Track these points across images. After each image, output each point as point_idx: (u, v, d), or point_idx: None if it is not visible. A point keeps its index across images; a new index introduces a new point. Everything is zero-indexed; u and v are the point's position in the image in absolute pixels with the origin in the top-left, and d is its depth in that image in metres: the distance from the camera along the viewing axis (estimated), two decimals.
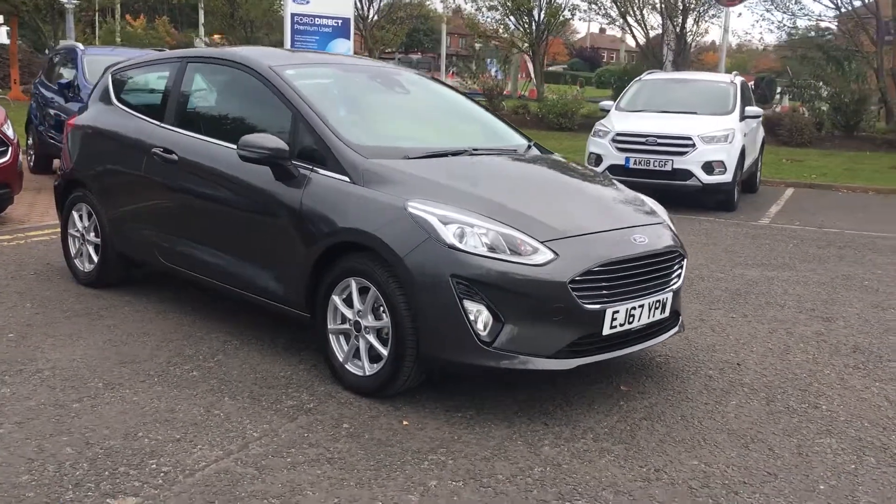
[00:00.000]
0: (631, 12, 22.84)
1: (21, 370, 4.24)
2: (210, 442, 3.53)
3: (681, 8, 22.45)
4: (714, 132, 10.97)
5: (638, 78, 13.27)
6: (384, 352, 3.95)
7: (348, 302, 4.12)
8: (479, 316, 3.73)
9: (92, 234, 5.76)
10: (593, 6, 23.67)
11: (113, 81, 5.86)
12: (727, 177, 10.81)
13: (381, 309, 3.97)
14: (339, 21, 13.65)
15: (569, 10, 22.36)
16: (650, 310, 4.11)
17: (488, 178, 4.42)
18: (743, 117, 11.68)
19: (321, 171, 4.28)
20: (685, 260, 4.49)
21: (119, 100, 5.74)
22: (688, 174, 10.74)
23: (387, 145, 4.45)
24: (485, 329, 3.73)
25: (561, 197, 4.42)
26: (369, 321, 4.01)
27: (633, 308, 3.99)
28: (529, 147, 5.17)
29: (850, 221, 10.60)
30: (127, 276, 5.84)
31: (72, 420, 3.68)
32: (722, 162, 10.81)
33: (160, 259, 5.22)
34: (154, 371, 4.31)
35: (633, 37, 23.86)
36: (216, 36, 32.92)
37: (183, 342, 4.77)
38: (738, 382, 4.53)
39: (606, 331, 3.90)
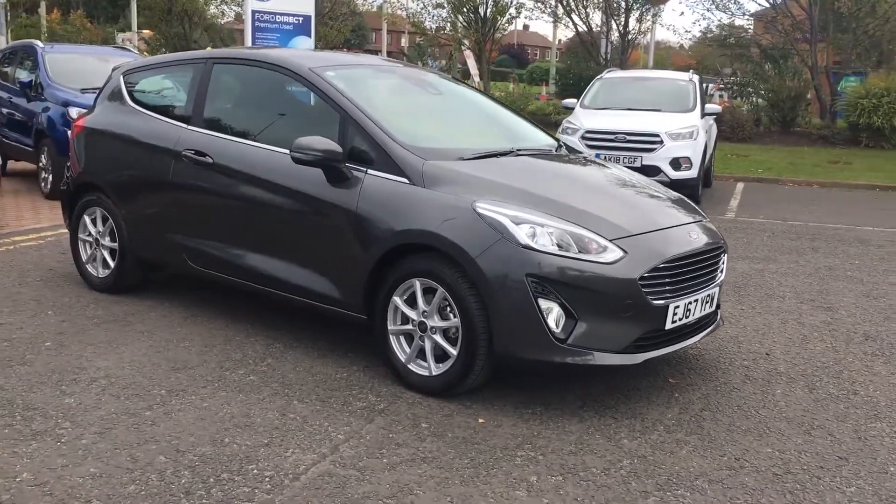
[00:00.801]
0: (576, 10, 23.22)
1: (75, 379, 4.16)
2: (299, 445, 3.54)
3: (623, 7, 22.92)
4: (680, 129, 11.28)
5: (599, 77, 13.53)
6: (453, 351, 4.01)
7: (410, 303, 4.16)
8: (553, 314, 3.82)
9: (107, 238, 5.64)
10: (538, 4, 23.99)
11: (126, 83, 5.75)
12: (693, 172, 11.14)
13: (448, 309, 4.02)
14: (301, 18, 13.54)
15: (515, 8, 22.61)
16: (702, 304, 4.26)
17: (543, 178, 4.51)
18: (703, 114, 12.03)
19: (376, 173, 4.30)
20: (726, 254, 4.65)
21: (135, 101, 5.64)
22: (656, 170, 11.00)
23: (439, 147, 4.50)
24: (558, 326, 3.82)
25: (614, 196, 4.54)
26: (435, 321, 4.06)
27: (690, 303, 4.14)
28: (560, 147, 5.27)
29: (808, 214, 11.03)
30: (143, 280, 5.72)
31: (151, 428, 3.64)
32: (688, 158, 11.13)
33: (189, 263, 5.16)
34: (211, 377, 4.28)
35: (578, 34, 24.23)
36: (146, 32, 32.09)
37: (226, 346, 4.73)
38: (774, 372, 4.72)
39: (668, 325, 4.03)
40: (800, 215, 10.90)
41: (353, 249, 4.30)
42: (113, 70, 6.01)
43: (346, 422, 3.80)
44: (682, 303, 4.07)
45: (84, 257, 5.82)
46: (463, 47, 26.88)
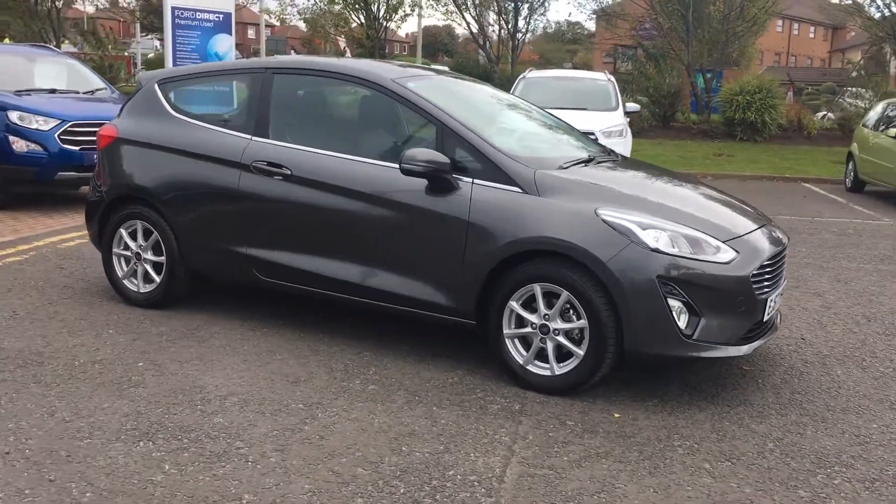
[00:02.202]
0: (468, 8, 23.65)
1: (204, 398, 4.11)
2: (475, 449, 3.68)
3: (512, 6, 23.56)
4: (611, 127, 11.87)
5: (522, 76, 13.97)
6: (580, 351, 4.25)
7: (526, 306, 4.36)
8: (680, 312, 4.13)
9: (150, 252, 5.50)
10: (430, 2, 24.25)
11: (164, 92, 5.60)
12: None
13: (570, 311, 4.25)
14: (221, 15, 13.23)
15: (409, 6, 22.77)
16: (779, 297, 4.69)
17: (639, 186, 4.80)
18: (626, 112, 12.69)
19: (484, 183, 4.46)
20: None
21: (179, 111, 5.51)
22: None
23: (537, 156, 4.71)
24: (685, 323, 4.14)
25: (701, 200, 4.87)
26: (558, 324, 4.28)
27: (776, 296, 4.56)
28: (616, 153, 5.57)
29: None
30: (191, 294, 5.62)
31: (324, 442, 3.69)
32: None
33: (257, 275, 5.13)
34: (333, 388, 4.32)
35: (470, 32, 24.68)
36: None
37: (321, 358, 4.76)
38: (821, 354, 5.23)
39: (766, 317, 4.43)
40: None
41: (465, 257, 4.45)
42: (140, 78, 5.82)
43: (499, 424, 3.97)
44: (774, 296, 4.48)
45: (120, 273, 5.64)
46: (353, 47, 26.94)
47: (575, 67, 28.13)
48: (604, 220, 4.20)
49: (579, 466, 3.57)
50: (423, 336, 5.07)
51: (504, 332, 4.43)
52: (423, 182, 4.54)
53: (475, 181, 4.49)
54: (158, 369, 4.47)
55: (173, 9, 12.55)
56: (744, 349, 4.32)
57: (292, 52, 39.19)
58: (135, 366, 4.51)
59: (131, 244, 5.57)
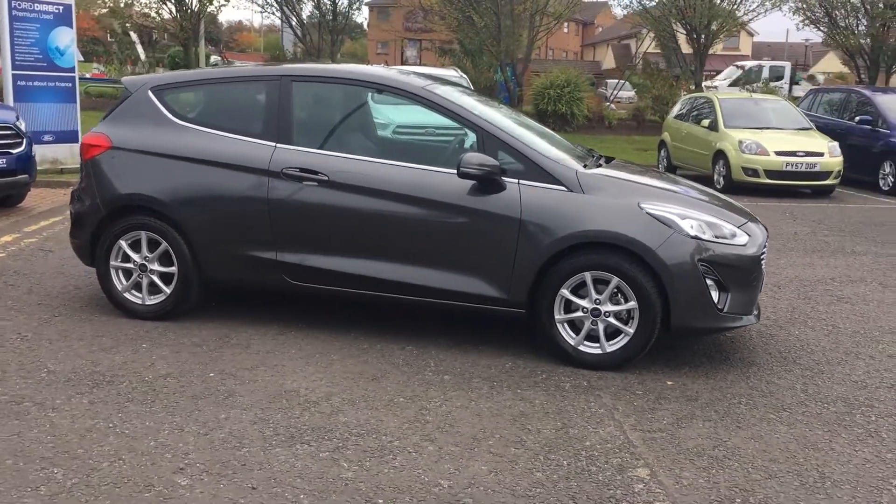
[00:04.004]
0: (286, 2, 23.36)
1: (309, 400, 4.25)
2: (589, 422, 4.14)
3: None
4: None
5: None
6: (629, 330, 4.81)
7: (574, 293, 4.86)
8: (714, 289, 4.80)
9: (156, 263, 5.42)
10: None
11: (160, 99, 5.50)
12: None
13: (618, 294, 4.81)
14: (61, 7, 12.41)
15: None
16: None
17: (655, 181, 5.40)
18: None
19: (530, 183, 4.90)
20: None
21: (182, 118, 5.44)
22: None
23: (567, 157, 5.19)
24: (718, 299, 4.82)
25: (704, 195, 5.53)
26: (609, 307, 4.82)
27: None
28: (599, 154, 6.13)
29: None
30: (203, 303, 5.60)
31: (459, 429, 3.99)
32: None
33: (286, 280, 5.24)
34: (416, 382, 4.58)
35: (290, 26, 24.38)
36: None
37: (374, 356, 4.97)
38: (772, 319, 6.12)
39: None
40: None
41: (517, 252, 4.86)
42: (128, 85, 5.66)
43: (584, 399, 4.45)
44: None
45: (120, 286, 5.49)
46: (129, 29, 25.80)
47: (343, 59, 28.53)
48: (648, 213, 4.77)
49: (681, 427, 4.13)
50: (446, 327, 5.41)
51: (556, 317, 4.89)
52: (470, 183, 4.88)
53: (521, 182, 4.90)
54: (235, 379, 4.51)
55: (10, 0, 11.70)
56: (754, 318, 5.07)
57: None
58: (209, 377, 4.52)
59: (134, 256, 5.44)
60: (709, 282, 4.77)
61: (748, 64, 40.03)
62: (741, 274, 4.89)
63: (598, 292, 4.81)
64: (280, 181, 5.14)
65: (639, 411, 4.30)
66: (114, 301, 5.53)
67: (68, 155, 12.58)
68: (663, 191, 5.11)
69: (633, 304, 4.77)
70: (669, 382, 4.74)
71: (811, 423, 4.25)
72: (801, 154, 13.60)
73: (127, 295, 5.49)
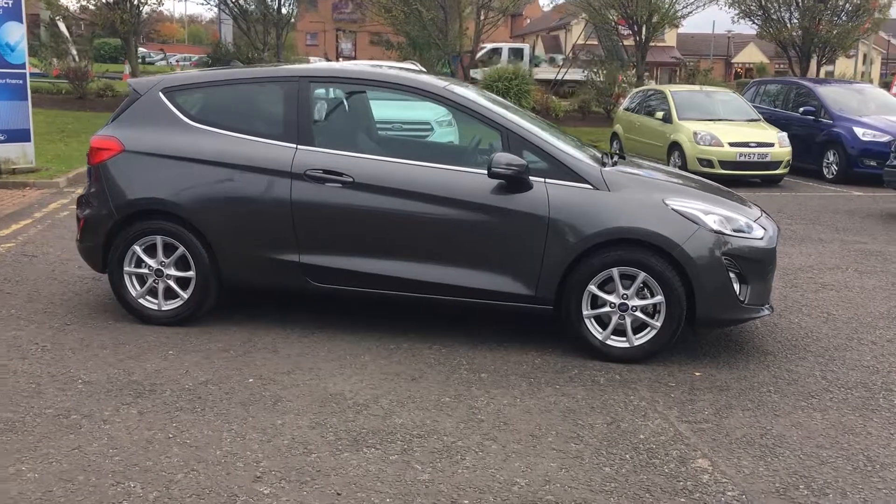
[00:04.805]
0: None
1: (358, 402, 4.26)
2: (635, 416, 4.25)
3: None
4: (442, 118, 12.55)
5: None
6: (656, 323, 4.94)
7: (601, 288, 4.97)
8: (736, 282, 4.97)
9: (172, 268, 5.34)
10: None
11: (172, 101, 5.41)
12: None
13: (644, 289, 4.93)
14: (10, 1, 12.00)
15: None
16: None
17: (673, 178, 5.53)
18: None
19: (556, 182, 4.98)
20: None
21: (197, 120, 5.37)
22: None
23: (590, 154, 5.29)
24: (740, 291, 4.99)
25: (717, 190, 5.68)
26: (636, 301, 4.94)
27: None
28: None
29: None
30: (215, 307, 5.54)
31: (515, 427, 4.06)
32: (452, 142, 12.50)
33: (309, 282, 5.22)
34: (455, 381, 4.63)
35: (234, 19, 23.91)
36: None
37: (404, 356, 4.99)
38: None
39: None
40: None
41: (546, 249, 4.94)
42: (135, 86, 5.55)
43: (624, 393, 4.56)
44: None
45: (134, 292, 5.40)
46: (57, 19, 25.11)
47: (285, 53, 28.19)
48: (673, 209, 4.90)
49: (723, 417, 4.27)
50: (460, 325, 5.47)
51: (583, 313, 4.99)
52: (496, 183, 4.94)
53: (547, 181, 4.98)
54: (276, 384, 4.49)
55: None
56: (769, 310, 5.25)
57: None
58: (248, 382, 4.49)
59: (149, 261, 5.34)
60: (731, 274, 4.92)
61: (488, 46, 39.20)
62: (760, 266, 5.06)
63: (625, 287, 4.92)
64: (303, 183, 5.11)
65: (679, 403, 4.42)
66: (128, 307, 5.43)
67: (20, 154, 12.18)
68: (683, 187, 5.25)
69: (659, 298, 4.90)
70: (697, 373, 4.89)
71: (841, 408, 4.44)
72: (753, 145, 14.01)
73: (142, 301, 5.40)
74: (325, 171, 5.10)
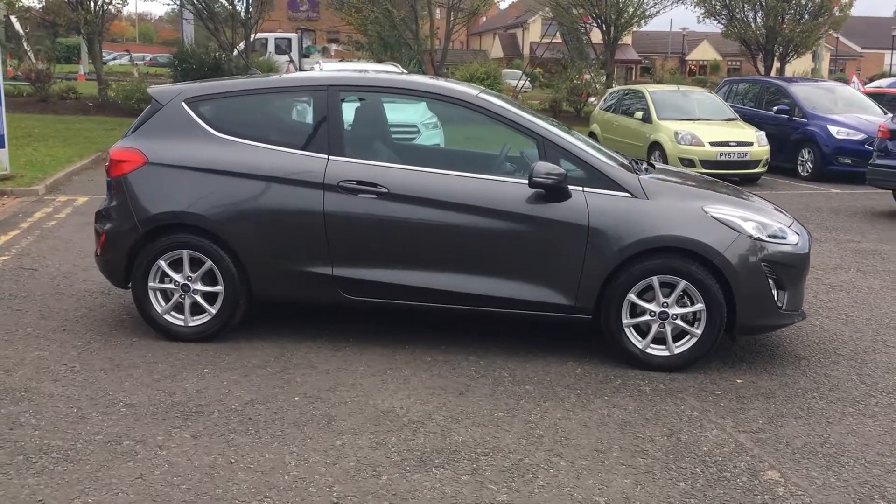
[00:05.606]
0: None
1: (412, 420, 4.18)
2: (692, 427, 4.23)
3: None
4: (428, 120, 12.50)
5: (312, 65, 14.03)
6: (696, 331, 4.93)
7: (641, 297, 4.94)
8: (773, 288, 4.98)
9: (199, 283, 5.21)
10: None
11: (196, 111, 5.26)
12: None
13: (684, 297, 4.92)
14: None
15: None
16: None
17: (707, 186, 5.53)
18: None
19: (594, 190, 4.95)
20: None
21: (223, 131, 5.22)
22: None
23: (627, 163, 5.26)
24: (778, 297, 5.00)
25: (748, 196, 5.68)
26: (676, 309, 4.93)
27: None
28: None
29: None
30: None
31: (576, 441, 4.02)
32: (438, 145, 12.43)
33: (343, 295, 5.13)
34: (500, 394, 4.58)
35: (202, 19, 23.49)
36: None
37: (445, 369, 4.92)
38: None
39: None
40: None
41: (585, 258, 4.90)
42: (157, 96, 5.39)
43: (673, 403, 4.54)
44: None
45: (159, 308, 5.24)
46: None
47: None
48: (713, 217, 4.90)
49: (778, 425, 4.27)
50: (490, 335, 5.43)
51: (623, 322, 4.96)
52: (534, 192, 4.89)
53: (585, 189, 4.94)
54: (323, 402, 4.39)
55: None
56: (802, 315, 5.27)
57: None
58: (294, 401, 4.39)
59: (175, 276, 5.20)
60: (771, 281, 4.93)
61: (256, 36, 38.87)
62: (795, 272, 5.08)
63: (665, 296, 4.90)
64: (336, 194, 5.01)
65: (730, 412, 4.42)
66: (153, 324, 5.27)
67: None
68: (720, 194, 5.25)
69: (700, 305, 4.88)
70: (738, 381, 4.89)
71: (889, 413, 4.47)
72: (733, 144, 14.16)
73: (168, 317, 5.25)
74: (359, 182, 5.00)
